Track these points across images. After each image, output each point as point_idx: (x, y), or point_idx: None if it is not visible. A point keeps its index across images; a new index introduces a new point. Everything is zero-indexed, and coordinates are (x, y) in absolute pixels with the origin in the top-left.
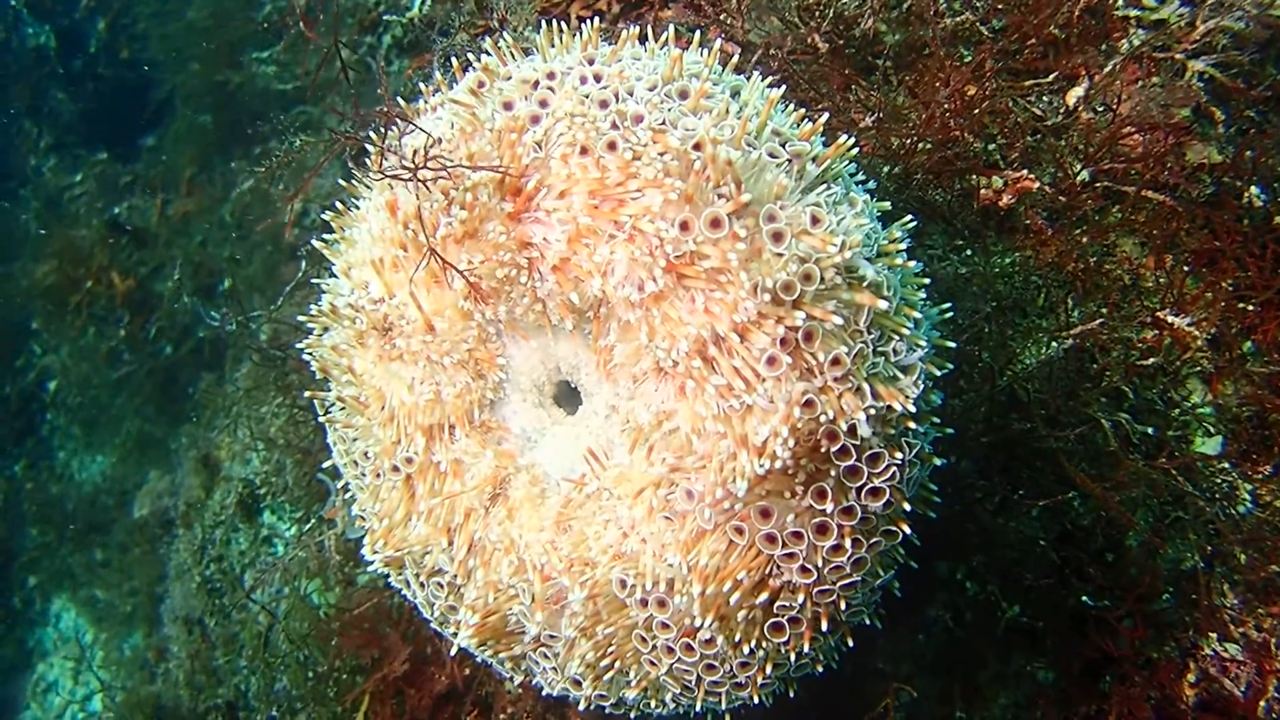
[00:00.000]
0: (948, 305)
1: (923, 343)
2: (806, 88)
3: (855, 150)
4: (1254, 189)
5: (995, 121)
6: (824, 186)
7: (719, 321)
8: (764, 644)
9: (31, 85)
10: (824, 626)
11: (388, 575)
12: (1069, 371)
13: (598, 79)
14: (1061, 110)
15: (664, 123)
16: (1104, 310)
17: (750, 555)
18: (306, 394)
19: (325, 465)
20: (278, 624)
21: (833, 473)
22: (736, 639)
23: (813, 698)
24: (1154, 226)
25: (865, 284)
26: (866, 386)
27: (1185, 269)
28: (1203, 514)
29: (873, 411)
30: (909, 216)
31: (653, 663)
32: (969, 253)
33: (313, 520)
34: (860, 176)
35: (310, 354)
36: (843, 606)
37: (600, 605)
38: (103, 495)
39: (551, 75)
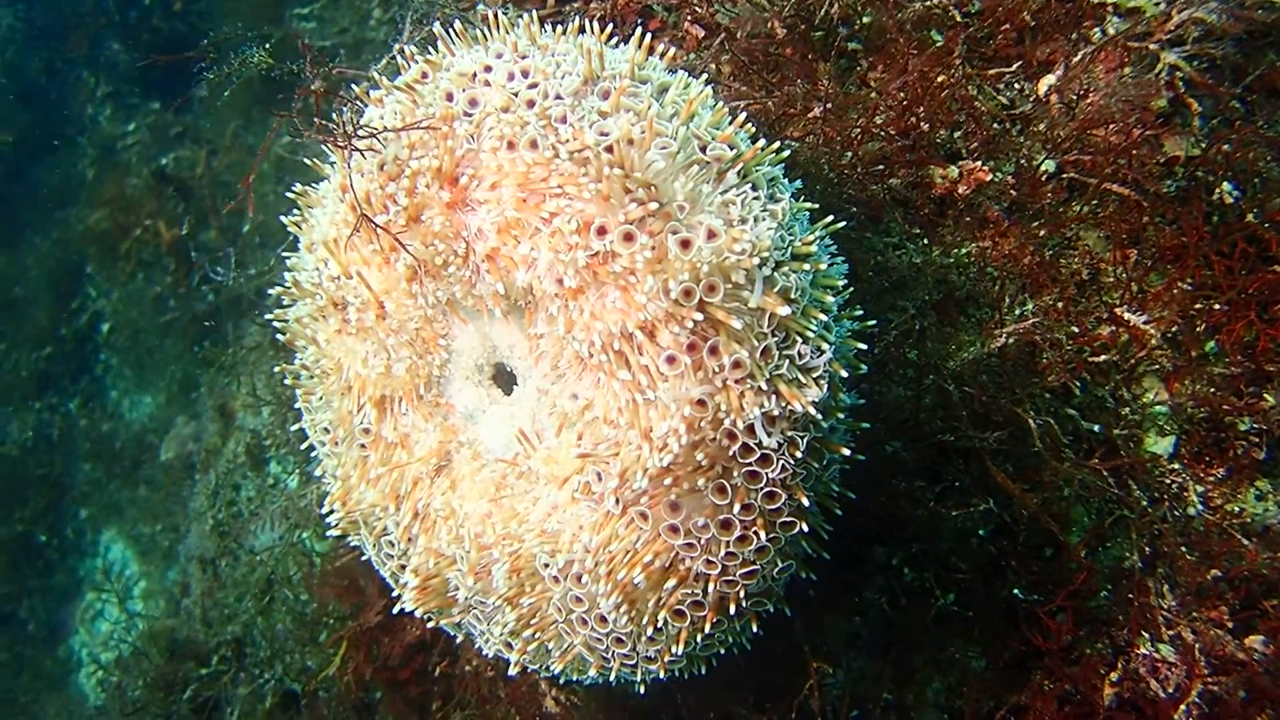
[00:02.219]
0: (860, 310)
1: (828, 345)
2: (766, 74)
3: (786, 152)
4: (1226, 185)
5: (960, 109)
6: (740, 189)
7: (629, 319)
8: (669, 625)
9: (89, 36)
10: (730, 610)
11: (347, 536)
12: (1006, 369)
13: (525, 75)
14: (1031, 98)
15: (584, 121)
16: (1059, 304)
17: (656, 543)
18: (278, 368)
19: (294, 429)
20: (266, 568)
21: (735, 471)
22: (643, 620)
23: (751, 671)
24: (1119, 220)
25: (774, 288)
26: (767, 387)
27: (1149, 264)
28: (1146, 514)
29: (775, 412)
30: (830, 217)
31: (568, 632)
32: (925, 241)
33: (297, 474)
34: (777, 175)
35: (279, 324)
36: (741, 595)
37: (524, 577)
38: (149, 434)
39: (488, 69)
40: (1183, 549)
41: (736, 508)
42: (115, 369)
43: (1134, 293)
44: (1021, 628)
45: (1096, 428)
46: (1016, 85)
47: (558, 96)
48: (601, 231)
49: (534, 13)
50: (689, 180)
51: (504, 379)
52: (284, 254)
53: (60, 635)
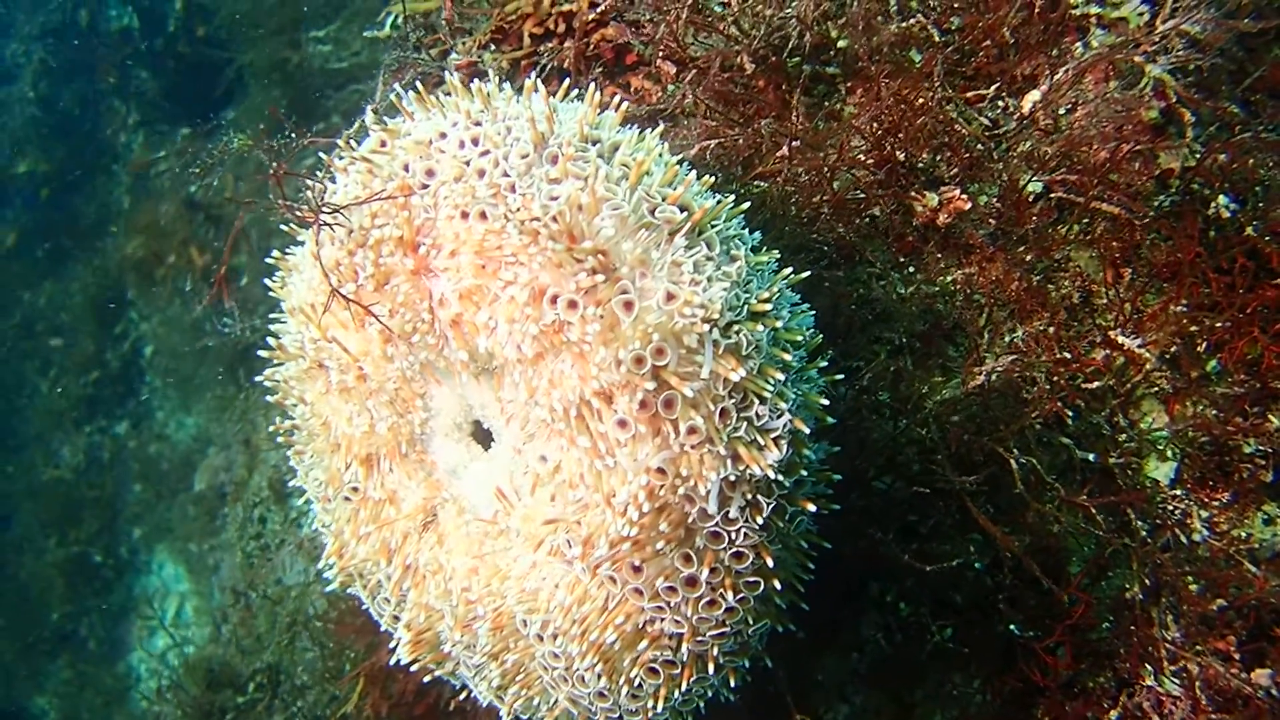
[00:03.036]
0: (825, 360)
1: (786, 404)
2: (741, 107)
3: (745, 205)
4: (1222, 198)
5: (940, 132)
6: (691, 250)
7: (585, 386)
8: (645, 683)
9: (117, 65)
10: (709, 669)
11: (348, 587)
12: (991, 404)
13: (475, 143)
14: (1015, 116)
15: (533, 188)
16: (1050, 330)
17: (626, 604)
18: (270, 428)
19: (291, 483)
20: (292, 602)
21: (698, 535)
22: (620, 680)
23: (749, 707)
24: (1111, 240)
25: (727, 350)
26: (725, 451)
27: (1144, 284)
28: (1148, 543)
29: (732, 477)
30: (789, 270)
31: (553, 687)
32: (911, 269)
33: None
34: (734, 230)
35: (270, 384)
36: (716, 653)
37: (506, 634)
38: (195, 454)
39: (443, 135)
40: (1187, 578)
41: (705, 571)
42: (161, 391)
43: (1128, 314)
44: (1020, 663)
45: (1092, 456)
46: (1000, 103)
47: (505, 173)
48: (554, 300)
49: (493, 70)
50: (638, 245)
51: (484, 435)
52: (270, 316)
53: (120, 652)
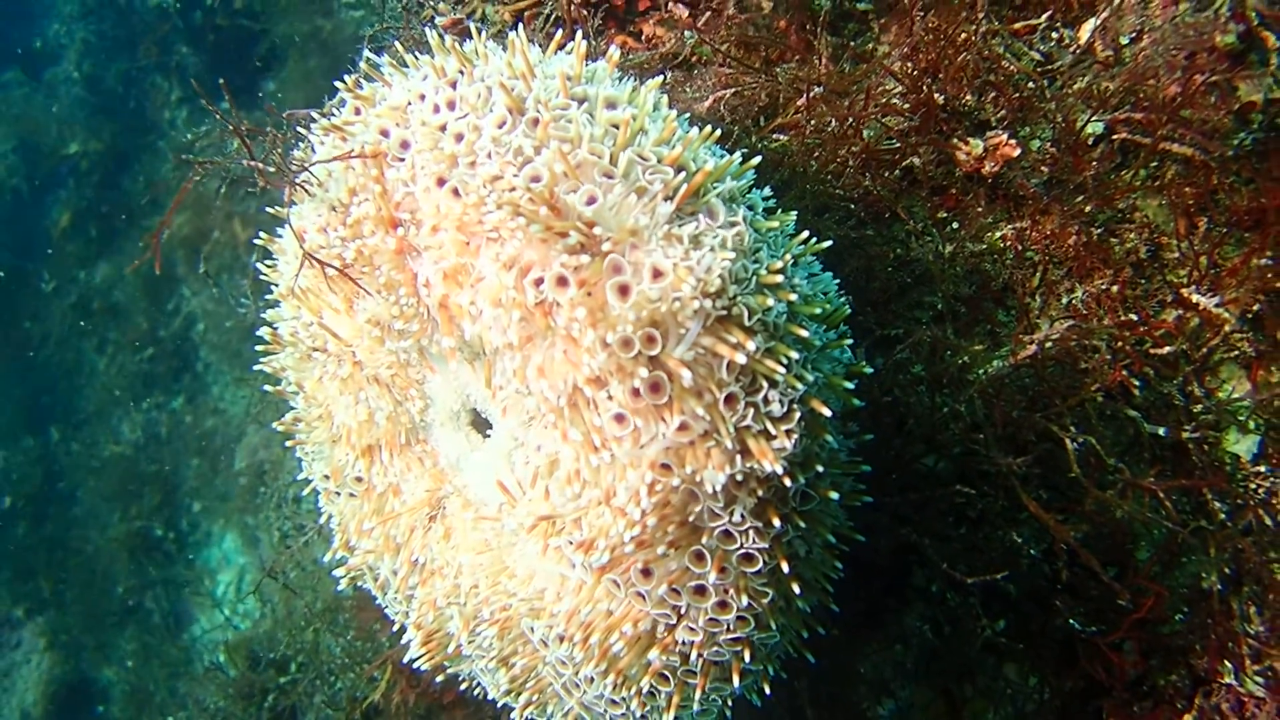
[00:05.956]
0: (847, 331)
1: (801, 386)
2: (762, 51)
3: (755, 160)
4: None
5: (985, 71)
6: (690, 218)
7: (577, 373)
8: (659, 690)
9: (158, 41)
10: (729, 678)
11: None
12: (1045, 376)
13: (452, 106)
14: (1072, 49)
15: (510, 155)
16: (1113, 289)
17: (632, 610)
18: (275, 424)
19: (299, 478)
20: (327, 584)
21: (705, 538)
22: (631, 689)
23: (786, 699)
24: (1185, 185)
25: (731, 328)
26: (732, 445)
27: (1222, 232)
28: (1227, 526)
29: (739, 477)
30: (805, 234)
31: (565, 695)
32: (954, 226)
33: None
34: (740, 190)
35: (269, 370)
36: (747, 657)
37: (514, 638)
38: (249, 428)
39: (422, 98)
40: (1272, 565)
41: (713, 575)
42: (214, 366)
43: (1204, 269)
44: (1082, 660)
45: (1162, 431)
46: (1053, 35)
47: (482, 140)
48: (538, 282)
49: (485, 26)
50: (627, 214)
51: (484, 423)
52: (264, 299)
53: (184, 624)
